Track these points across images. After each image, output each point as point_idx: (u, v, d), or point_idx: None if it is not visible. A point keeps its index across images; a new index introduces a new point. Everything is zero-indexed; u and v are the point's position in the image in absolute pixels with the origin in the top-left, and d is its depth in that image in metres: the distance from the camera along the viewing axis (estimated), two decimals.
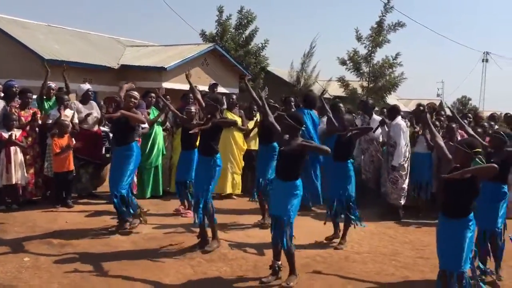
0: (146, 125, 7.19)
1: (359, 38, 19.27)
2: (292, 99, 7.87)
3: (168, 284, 4.50)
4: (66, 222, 6.28)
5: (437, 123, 7.70)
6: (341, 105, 7.61)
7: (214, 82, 10.69)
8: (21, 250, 5.20)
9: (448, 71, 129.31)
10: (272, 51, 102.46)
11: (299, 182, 4.55)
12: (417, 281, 4.80)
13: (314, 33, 78.69)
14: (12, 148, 6.69)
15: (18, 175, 6.73)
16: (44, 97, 7.46)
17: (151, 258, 5.08)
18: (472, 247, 3.85)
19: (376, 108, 10.85)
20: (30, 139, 7.03)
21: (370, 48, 19.32)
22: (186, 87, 6.67)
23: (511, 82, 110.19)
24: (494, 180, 4.43)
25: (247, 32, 22.75)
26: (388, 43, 19.26)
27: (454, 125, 7.46)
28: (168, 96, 7.89)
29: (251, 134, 8.24)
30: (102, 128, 8.07)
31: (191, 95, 7.59)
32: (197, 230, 5.57)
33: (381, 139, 7.84)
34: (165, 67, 16.44)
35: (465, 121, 7.64)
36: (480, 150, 3.87)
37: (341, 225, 5.92)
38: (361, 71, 19.76)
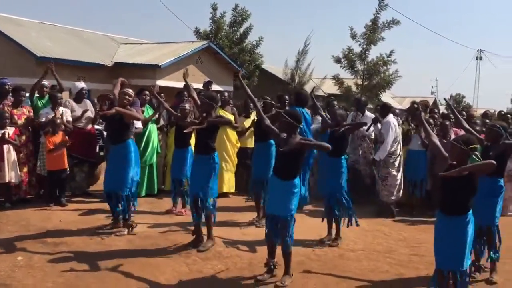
0: (140, 125, 7.16)
1: (353, 36, 19.33)
2: (286, 97, 7.87)
3: (164, 282, 4.48)
4: (60, 221, 6.25)
5: (431, 120, 7.73)
6: (335, 102, 7.62)
7: (209, 79, 10.65)
8: (14, 249, 5.16)
9: (442, 69, 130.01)
10: (267, 48, 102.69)
11: (297, 180, 4.54)
12: (411, 278, 4.81)
13: (308, 30, 78.75)
14: (5, 147, 6.64)
15: (11, 173, 6.68)
16: (37, 95, 7.40)
17: (147, 257, 5.05)
18: (471, 245, 3.82)
19: (371, 106, 10.88)
20: (23, 137, 6.99)
21: (364, 46, 19.38)
22: (180, 84, 6.66)
23: (505, 80, 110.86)
24: (491, 174, 4.42)
25: (241, 30, 22.69)
26: (382, 41, 19.38)
27: (447, 123, 7.51)
28: (162, 94, 7.87)
29: (247, 132, 8.22)
30: (96, 127, 8.02)
31: (185, 92, 7.59)
32: (192, 228, 5.55)
33: (373, 136, 7.88)
34: (159, 64, 16.36)
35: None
36: (476, 146, 3.85)
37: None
38: (355, 69, 19.82)
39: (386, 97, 24.73)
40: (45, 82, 7.63)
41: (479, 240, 4.70)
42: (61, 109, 7.19)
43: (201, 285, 4.52)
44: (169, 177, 7.35)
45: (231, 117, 7.96)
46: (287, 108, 7.19)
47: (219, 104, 7.79)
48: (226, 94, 8.61)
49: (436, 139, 4.21)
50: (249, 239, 5.75)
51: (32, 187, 7.19)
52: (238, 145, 8.28)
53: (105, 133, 8.15)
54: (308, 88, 17.72)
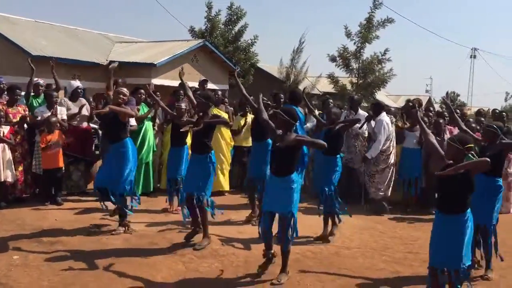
0: (134, 123, 7.14)
1: (348, 35, 19.37)
2: (282, 95, 7.88)
3: (160, 281, 4.49)
4: (56, 220, 6.24)
5: (425, 119, 7.76)
6: (330, 101, 7.65)
7: (204, 78, 10.65)
8: (10, 248, 5.14)
9: (437, 68, 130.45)
10: (262, 47, 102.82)
11: (295, 175, 4.55)
12: (407, 276, 4.84)
13: (303, 29, 78.64)
14: (0, 146, 6.62)
15: (6, 172, 6.66)
16: (32, 94, 7.37)
17: (143, 255, 5.06)
18: (471, 243, 3.80)
19: (366, 104, 10.91)
20: (18, 136, 6.96)
21: (359, 44, 19.42)
22: (176, 83, 6.67)
23: (500, 78, 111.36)
24: (489, 174, 4.47)
25: (236, 28, 22.68)
26: (377, 39, 19.43)
27: (441, 121, 7.55)
28: (158, 93, 7.86)
29: (243, 131, 8.24)
30: (91, 125, 8.01)
31: (181, 91, 7.59)
32: (189, 226, 5.57)
33: (366, 134, 7.92)
34: (155, 63, 16.32)
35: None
36: (472, 145, 3.86)
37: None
38: (350, 67, 19.86)
39: (381, 95, 24.80)
40: (41, 80, 7.60)
41: (475, 238, 4.73)
42: (59, 108, 7.17)
43: (197, 283, 4.53)
44: (165, 175, 7.34)
45: (225, 116, 7.99)
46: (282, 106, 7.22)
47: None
48: (219, 92, 8.66)
49: (433, 138, 4.20)
50: (245, 237, 5.77)
51: (27, 186, 7.17)
52: (232, 143, 8.29)
53: (100, 132, 8.15)
54: (303, 86, 17.74)
